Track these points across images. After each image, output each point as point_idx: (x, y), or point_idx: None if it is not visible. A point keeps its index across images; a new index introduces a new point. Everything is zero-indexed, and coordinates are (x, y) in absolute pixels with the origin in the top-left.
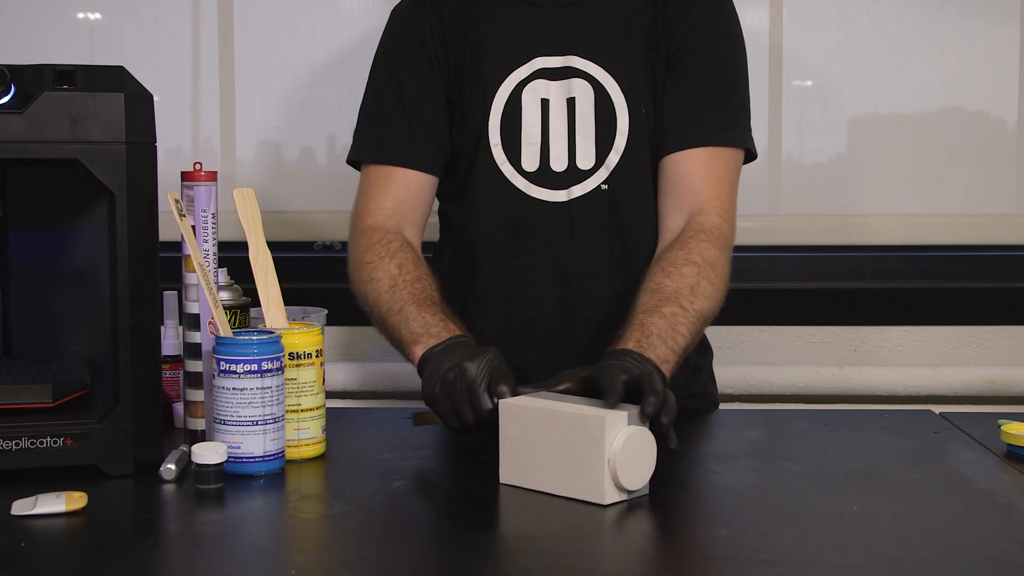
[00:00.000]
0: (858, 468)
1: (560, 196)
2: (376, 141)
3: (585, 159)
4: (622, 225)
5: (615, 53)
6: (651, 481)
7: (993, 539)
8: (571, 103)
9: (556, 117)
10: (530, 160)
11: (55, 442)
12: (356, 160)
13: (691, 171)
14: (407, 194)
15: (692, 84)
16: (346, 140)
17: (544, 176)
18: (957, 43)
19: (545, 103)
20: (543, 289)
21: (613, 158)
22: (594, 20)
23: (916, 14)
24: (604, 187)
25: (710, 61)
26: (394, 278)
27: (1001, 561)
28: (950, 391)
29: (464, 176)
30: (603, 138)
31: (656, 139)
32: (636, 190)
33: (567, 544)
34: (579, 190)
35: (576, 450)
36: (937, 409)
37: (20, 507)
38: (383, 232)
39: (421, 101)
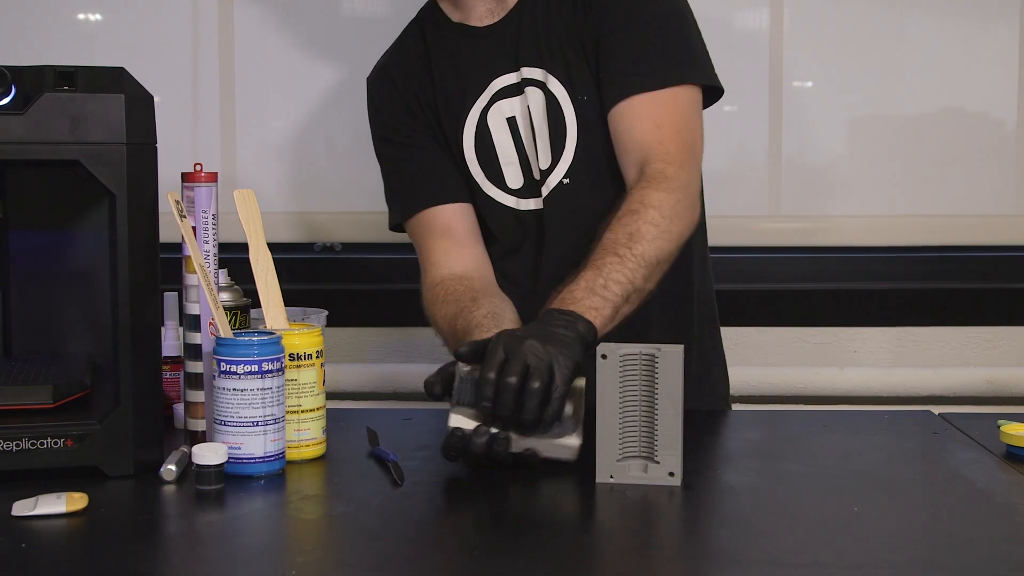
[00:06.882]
0: (858, 469)
1: (541, 202)
2: (401, 198)
3: (544, 158)
4: (588, 216)
5: (553, 52)
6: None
7: (992, 539)
8: (529, 111)
9: (524, 130)
10: (513, 178)
11: (55, 443)
12: (396, 225)
13: (631, 124)
14: (449, 231)
15: (618, 40)
16: (345, 141)
17: (530, 188)
18: (957, 43)
19: (512, 121)
20: (523, 289)
21: (568, 152)
22: (537, 27)
23: (916, 14)
24: (566, 181)
25: (632, 15)
26: (443, 333)
27: (1000, 561)
28: (950, 392)
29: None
30: (556, 134)
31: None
32: (594, 180)
33: (567, 544)
34: (546, 189)
35: None
36: (936, 410)
37: (21, 508)
38: (433, 290)
39: (422, 150)
